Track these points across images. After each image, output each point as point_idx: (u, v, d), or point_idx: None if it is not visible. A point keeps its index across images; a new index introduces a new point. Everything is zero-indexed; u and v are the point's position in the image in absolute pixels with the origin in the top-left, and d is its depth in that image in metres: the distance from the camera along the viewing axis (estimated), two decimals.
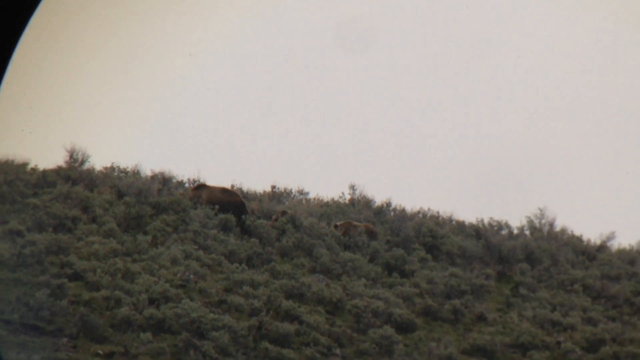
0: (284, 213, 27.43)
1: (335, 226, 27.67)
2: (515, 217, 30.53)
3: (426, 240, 28.05)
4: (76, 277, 22.10)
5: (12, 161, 27.80)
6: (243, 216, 27.13)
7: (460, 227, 29.89)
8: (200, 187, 28.34)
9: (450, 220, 30.60)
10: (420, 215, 30.37)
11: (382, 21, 42.39)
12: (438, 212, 30.78)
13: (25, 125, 27.92)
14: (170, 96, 41.71)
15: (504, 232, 29.85)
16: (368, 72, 43.23)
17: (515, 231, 29.87)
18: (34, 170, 27.72)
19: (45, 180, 26.94)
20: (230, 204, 27.50)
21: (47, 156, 29.68)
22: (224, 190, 28.04)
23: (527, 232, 29.93)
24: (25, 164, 27.99)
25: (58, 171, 27.67)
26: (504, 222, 30.11)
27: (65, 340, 20.05)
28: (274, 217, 27.52)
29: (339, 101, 43.01)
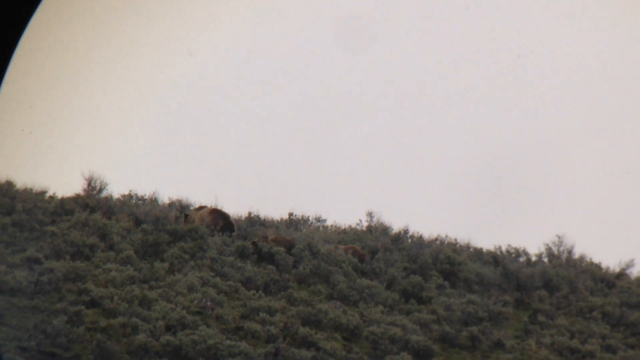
0: (264, 238, 27.40)
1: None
2: (534, 245, 30.42)
3: (444, 267, 27.99)
4: (93, 304, 22.17)
5: (31, 189, 28.02)
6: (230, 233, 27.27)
7: (478, 254, 29.81)
8: (199, 209, 28.45)
9: (467, 247, 30.53)
10: (438, 242, 30.32)
11: (382, 21, 42.45)
12: (455, 239, 30.74)
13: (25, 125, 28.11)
14: (184, 122, 41.89)
15: (522, 259, 29.75)
16: (371, 77, 43.24)
17: (534, 258, 29.76)
18: (52, 198, 27.90)
19: (64, 208, 27.09)
20: (217, 226, 27.54)
21: (66, 184, 29.87)
22: (211, 212, 28.11)
23: (546, 260, 29.82)
24: (43, 192, 28.20)
25: (76, 199, 27.84)
26: (521, 249, 30.01)
27: None
28: (257, 239, 27.50)
29: (350, 118, 42.97)
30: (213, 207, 28.39)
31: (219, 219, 27.88)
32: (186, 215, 28.46)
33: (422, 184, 41.75)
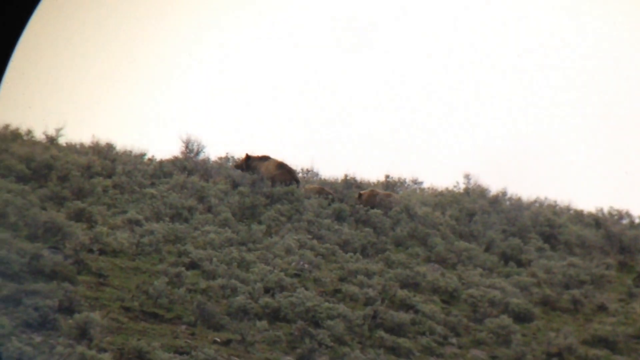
0: (360, 195, 27.37)
1: (360, 195, 27.60)
2: (637, 206, 29.65)
3: (543, 229, 27.49)
4: (193, 265, 22.34)
5: (130, 152, 28.35)
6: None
7: (579, 217, 29.21)
8: (263, 158, 28.23)
9: (568, 209, 29.93)
10: (537, 205, 29.78)
11: (382, 21, 41.94)
12: (555, 201, 30.16)
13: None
14: (281, 85, 41.93)
15: (625, 221, 29.04)
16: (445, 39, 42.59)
17: (637, 220, 29.04)
18: (151, 160, 28.19)
19: (162, 170, 27.34)
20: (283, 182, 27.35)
21: (164, 147, 30.13)
22: (278, 166, 27.93)
23: None
24: (142, 155, 28.51)
25: (174, 162, 28.08)
26: (624, 211, 29.30)
27: (183, 327, 20.29)
28: (364, 193, 27.45)
29: (447, 79, 42.54)
30: (279, 161, 28.22)
31: (286, 175, 27.77)
32: (248, 156, 28.27)
33: (519, 145, 41.08)
